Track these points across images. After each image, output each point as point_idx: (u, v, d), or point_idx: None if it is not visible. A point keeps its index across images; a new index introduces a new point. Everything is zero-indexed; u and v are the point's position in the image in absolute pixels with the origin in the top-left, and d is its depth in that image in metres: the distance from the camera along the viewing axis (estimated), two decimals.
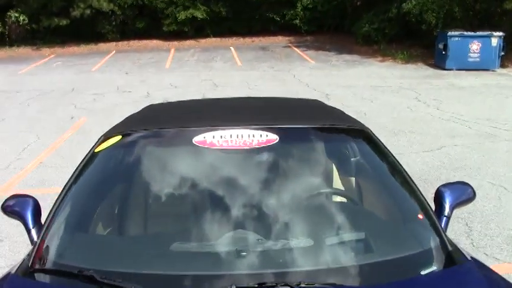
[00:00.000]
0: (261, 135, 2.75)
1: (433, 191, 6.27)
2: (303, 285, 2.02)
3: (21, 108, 12.09)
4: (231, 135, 2.74)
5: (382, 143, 3.06)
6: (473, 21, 18.32)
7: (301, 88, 13.89)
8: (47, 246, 2.39)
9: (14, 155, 8.47)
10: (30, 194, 3.01)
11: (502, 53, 16.50)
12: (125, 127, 3.13)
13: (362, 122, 9.99)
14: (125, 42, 24.48)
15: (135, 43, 24.48)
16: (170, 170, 2.84)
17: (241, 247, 2.31)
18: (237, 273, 2.16)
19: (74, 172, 2.83)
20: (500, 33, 16.42)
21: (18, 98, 13.35)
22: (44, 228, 2.49)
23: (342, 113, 3.54)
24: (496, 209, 5.92)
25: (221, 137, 2.74)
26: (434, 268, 2.26)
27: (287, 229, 2.45)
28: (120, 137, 2.94)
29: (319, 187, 2.89)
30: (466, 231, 5.30)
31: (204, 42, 24.50)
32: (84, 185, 2.79)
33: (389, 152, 3.00)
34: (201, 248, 2.37)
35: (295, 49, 21.82)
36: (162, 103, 4.24)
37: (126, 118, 3.49)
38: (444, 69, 16.54)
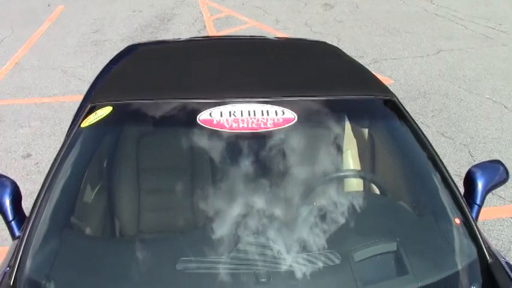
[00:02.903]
0: (276, 113, 2.36)
1: (432, 107, 6.19)
2: None
3: None
4: (241, 112, 2.36)
5: (411, 116, 2.71)
6: None
7: None
8: (32, 258, 2.01)
9: None
10: (7, 174, 2.58)
11: None
12: (113, 91, 2.68)
13: (354, 16, 9.53)
14: None
15: None
16: (171, 157, 2.49)
17: (259, 265, 2.00)
18: None
19: (60, 151, 2.39)
20: None
21: None
22: (28, 230, 2.09)
23: (360, 68, 3.11)
24: (498, 133, 5.71)
25: (230, 114, 2.35)
26: None
27: (309, 238, 2.14)
28: (110, 108, 2.48)
29: (344, 174, 2.60)
30: (469, 162, 5.09)
31: None
32: (71, 170, 2.36)
33: (418, 127, 2.66)
34: (212, 266, 2.01)
35: None
36: (149, 44, 3.67)
37: (112, 71, 3.01)
38: None
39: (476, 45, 8.37)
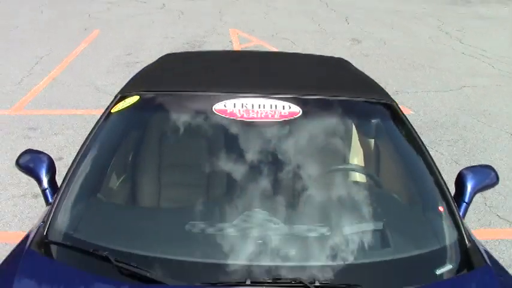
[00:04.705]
0: (283, 107, 2.64)
1: (449, 137, 6.34)
2: (317, 284, 2.00)
3: (34, 15, 11.83)
4: (252, 105, 2.64)
5: (408, 120, 2.93)
6: None
7: (321, 8, 13.49)
8: (62, 216, 2.35)
9: (26, 69, 8.35)
10: (44, 151, 2.94)
11: None
12: (142, 84, 3.01)
13: (380, 51, 9.74)
14: None
15: None
16: (188, 139, 2.79)
17: (258, 232, 2.29)
18: (252, 265, 2.12)
19: (90, 133, 2.72)
20: None
21: (31, 2, 13.02)
22: (60, 195, 2.42)
23: (367, 78, 3.38)
24: None
25: (242, 105, 2.63)
26: (449, 267, 2.23)
27: (305, 213, 2.45)
28: (137, 97, 2.80)
29: (341, 167, 2.84)
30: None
31: None
32: (100, 148, 2.70)
33: (415, 130, 2.88)
34: (216, 229, 2.31)
35: None
36: (180, 53, 4.04)
37: (143, 71, 3.36)
38: None
39: (502, 83, 8.52)
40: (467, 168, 2.87)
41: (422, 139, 2.92)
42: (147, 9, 12.60)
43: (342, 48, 10.01)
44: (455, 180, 2.84)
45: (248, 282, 2.00)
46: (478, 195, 4.95)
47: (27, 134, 6.09)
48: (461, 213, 2.69)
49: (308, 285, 1.98)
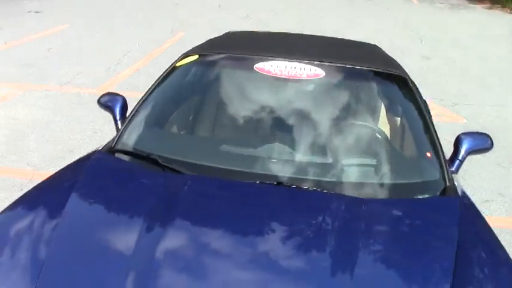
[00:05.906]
0: (310, 69, 3.31)
1: (496, 144, 6.53)
2: (310, 189, 2.67)
3: (129, 17, 12.98)
4: (285, 66, 3.32)
5: (419, 91, 3.44)
6: None
7: (398, 27, 13.93)
8: (128, 134, 3.11)
9: (115, 59, 9.35)
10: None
11: None
12: (202, 49, 3.76)
13: (448, 68, 10.01)
14: None
15: None
16: (233, 88, 3.52)
17: (274, 155, 2.99)
18: (263, 173, 2.80)
19: (157, 80, 3.49)
20: None
21: (126, 5, 14.30)
22: (127, 120, 3.20)
23: (391, 59, 3.92)
24: None
25: (277, 66, 3.33)
26: (425, 196, 2.77)
27: (314, 148, 3.09)
28: (197, 56, 3.59)
29: (350, 118, 3.44)
30: None
31: None
32: (164, 91, 3.47)
33: (422, 99, 3.42)
34: (242, 151, 3.06)
35: None
36: (240, 31, 4.77)
37: (206, 41, 4.06)
38: None
39: None
40: (465, 133, 3.38)
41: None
42: (231, 18, 13.46)
43: (409, 62, 10.35)
44: (454, 142, 3.35)
45: (257, 182, 2.68)
46: (506, 194, 5.36)
47: None
48: (454, 169, 3.24)
49: (305, 188, 2.65)
